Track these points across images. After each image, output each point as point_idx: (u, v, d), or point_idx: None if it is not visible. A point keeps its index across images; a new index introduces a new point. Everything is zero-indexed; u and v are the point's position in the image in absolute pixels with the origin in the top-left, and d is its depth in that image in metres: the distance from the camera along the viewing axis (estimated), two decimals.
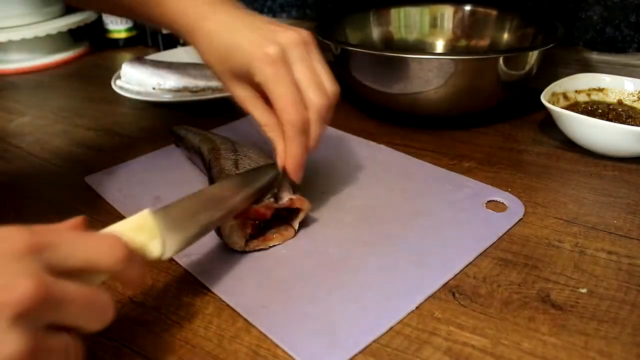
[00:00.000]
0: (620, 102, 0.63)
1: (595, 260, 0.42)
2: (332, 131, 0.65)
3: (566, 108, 0.59)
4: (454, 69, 0.59)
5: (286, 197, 0.44)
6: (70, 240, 0.27)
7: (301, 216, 0.45)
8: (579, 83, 0.64)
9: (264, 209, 0.43)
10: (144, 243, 0.32)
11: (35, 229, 0.26)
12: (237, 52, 0.41)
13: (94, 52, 1.10)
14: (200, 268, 0.43)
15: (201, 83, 0.80)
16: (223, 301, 0.39)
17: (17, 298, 0.23)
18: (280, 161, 0.44)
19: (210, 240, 0.46)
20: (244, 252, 0.44)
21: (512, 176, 0.54)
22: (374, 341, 0.35)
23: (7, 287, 0.23)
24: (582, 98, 0.64)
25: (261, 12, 1.05)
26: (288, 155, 0.42)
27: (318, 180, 0.54)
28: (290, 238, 0.45)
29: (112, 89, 0.78)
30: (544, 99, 0.59)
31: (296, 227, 0.45)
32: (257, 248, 0.44)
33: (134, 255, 0.29)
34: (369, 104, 0.71)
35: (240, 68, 0.41)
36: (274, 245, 0.44)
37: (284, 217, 0.45)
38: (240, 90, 0.43)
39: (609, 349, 0.34)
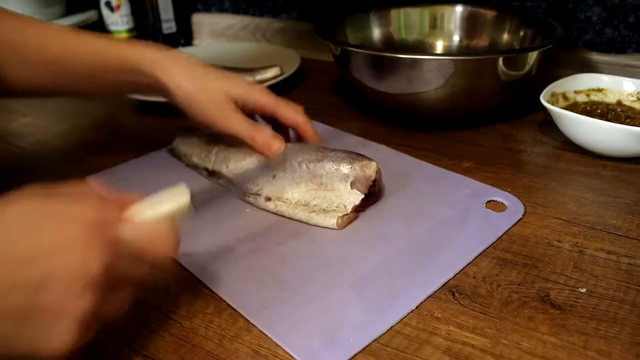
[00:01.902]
0: (619, 103, 0.63)
1: (595, 260, 0.42)
2: (332, 131, 0.65)
3: (566, 108, 0.59)
4: (453, 69, 0.59)
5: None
6: (130, 230, 0.31)
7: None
8: (579, 83, 0.64)
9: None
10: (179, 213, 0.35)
11: (100, 206, 0.30)
12: (235, 82, 0.51)
13: None
14: (200, 268, 0.43)
15: None
16: (224, 301, 0.40)
17: (92, 273, 0.27)
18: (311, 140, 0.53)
19: (210, 240, 0.46)
20: (244, 252, 0.44)
21: (512, 176, 0.55)
22: (373, 341, 0.36)
23: (85, 263, 0.27)
24: (581, 98, 0.64)
25: (262, 12, 1.05)
26: (312, 134, 0.53)
27: None
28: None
29: None
30: (543, 99, 0.59)
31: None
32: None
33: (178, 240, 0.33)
34: (369, 104, 0.71)
35: (244, 94, 0.51)
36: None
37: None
38: (230, 106, 0.50)
39: (609, 349, 0.34)
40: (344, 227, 0.47)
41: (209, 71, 0.51)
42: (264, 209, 0.50)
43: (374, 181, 0.48)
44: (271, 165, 0.51)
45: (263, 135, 0.50)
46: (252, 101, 0.51)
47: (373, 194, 0.49)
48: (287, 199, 0.49)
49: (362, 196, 0.47)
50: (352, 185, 0.48)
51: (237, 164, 0.53)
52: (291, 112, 0.52)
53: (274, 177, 0.50)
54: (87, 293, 0.27)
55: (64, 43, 0.49)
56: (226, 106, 0.49)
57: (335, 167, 0.48)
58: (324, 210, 0.47)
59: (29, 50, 0.48)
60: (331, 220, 0.46)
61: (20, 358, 0.27)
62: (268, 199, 0.49)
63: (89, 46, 0.50)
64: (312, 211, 0.47)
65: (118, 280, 0.30)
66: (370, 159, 0.49)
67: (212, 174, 0.55)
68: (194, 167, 0.57)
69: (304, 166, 0.49)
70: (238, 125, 0.50)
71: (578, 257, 0.43)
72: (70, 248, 0.27)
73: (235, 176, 0.52)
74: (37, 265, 0.26)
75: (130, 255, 0.31)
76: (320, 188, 0.49)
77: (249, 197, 0.51)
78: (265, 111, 0.52)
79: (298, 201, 0.48)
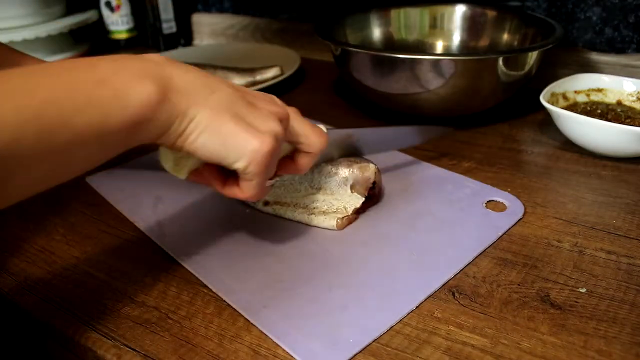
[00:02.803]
0: (619, 103, 0.63)
1: (595, 260, 0.42)
2: (332, 131, 0.65)
3: (565, 108, 0.59)
4: (454, 69, 0.59)
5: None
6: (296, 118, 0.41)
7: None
8: (579, 83, 0.64)
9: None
10: None
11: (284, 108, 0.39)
12: None
13: (94, 53, 1.10)
14: (201, 267, 0.43)
15: None
16: (224, 301, 0.40)
17: (284, 116, 0.38)
18: None
19: (210, 240, 0.46)
20: (244, 252, 0.44)
21: (512, 176, 0.55)
22: (374, 341, 0.36)
23: (280, 108, 0.39)
24: (581, 98, 0.64)
25: (262, 12, 1.05)
26: None
27: None
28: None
29: None
30: (543, 99, 0.59)
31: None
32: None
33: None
34: (369, 104, 0.71)
35: None
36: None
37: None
38: None
39: (608, 349, 0.34)
40: (344, 227, 0.47)
41: None
42: (262, 212, 0.50)
43: (374, 183, 0.48)
44: None
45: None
46: None
47: (373, 196, 0.49)
48: (285, 202, 0.49)
49: (363, 199, 0.47)
50: (352, 188, 0.48)
51: None
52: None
53: (272, 185, 0.50)
54: (279, 123, 0.36)
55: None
56: None
57: (334, 171, 0.49)
58: (323, 212, 0.47)
59: None
60: (331, 222, 0.46)
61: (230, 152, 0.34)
62: (266, 203, 0.49)
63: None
64: (312, 213, 0.47)
65: (280, 151, 0.38)
66: (368, 161, 0.49)
67: None
68: None
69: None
70: None
71: (578, 257, 0.43)
72: (267, 101, 0.38)
73: None
74: (248, 92, 0.38)
75: (294, 132, 0.40)
76: (319, 192, 0.49)
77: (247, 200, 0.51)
78: None
79: (297, 204, 0.48)
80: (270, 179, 0.40)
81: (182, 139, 0.34)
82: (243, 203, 0.51)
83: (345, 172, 0.48)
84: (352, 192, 0.48)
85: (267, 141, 0.35)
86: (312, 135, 0.41)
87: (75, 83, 0.29)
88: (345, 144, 0.51)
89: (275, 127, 0.36)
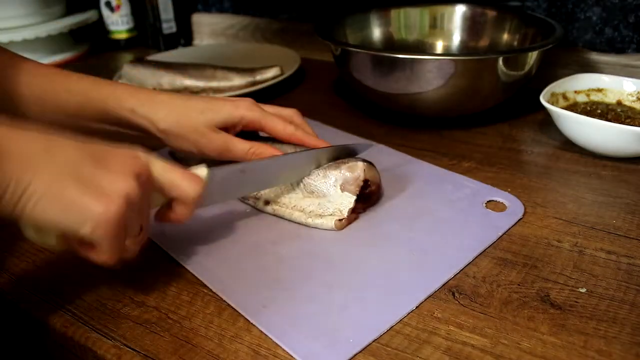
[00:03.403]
0: (619, 103, 0.63)
1: (595, 260, 0.42)
2: (332, 131, 0.65)
3: (565, 108, 0.59)
4: (453, 69, 0.59)
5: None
6: (163, 166, 0.38)
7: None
8: (579, 83, 0.64)
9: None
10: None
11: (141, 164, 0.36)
12: (216, 107, 0.49)
13: (94, 52, 1.10)
14: (201, 267, 0.43)
15: (201, 83, 0.81)
16: (223, 301, 0.40)
17: (138, 170, 0.35)
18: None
19: (210, 240, 0.46)
20: (244, 252, 0.44)
21: (512, 176, 0.55)
22: (374, 341, 0.36)
23: (134, 163, 0.35)
24: (581, 98, 0.64)
25: (262, 12, 1.05)
26: (309, 141, 0.52)
27: None
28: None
29: None
30: (543, 99, 0.59)
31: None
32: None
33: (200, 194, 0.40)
34: (369, 104, 0.71)
35: (227, 117, 0.49)
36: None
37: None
38: (219, 135, 0.49)
39: (608, 349, 0.34)
40: (343, 228, 0.47)
41: (188, 104, 0.49)
42: (262, 211, 0.50)
43: (366, 181, 0.48)
44: None
45: (261, 153, 0.49)
46: (238, 121, 0.50)
47: (371, 195, 0.49)
48: (284, 204, 0.49)
49: (355, 197, 0.47)
50: (342, 188, 0.47)
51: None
52: (280, 126, 0.50)
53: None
54: (133, 180, 0.34)
55: (49, 82, 0.49)
56: (213, 136, 0.48)
57: (322, 174, 0.48)
58: (320, 215, 0.47)
59: (19, 86, 0.49)
60: (329, 224, 0.46)
61: (68, 222, 0.32)
62: (267, 202, 0.49)
63: (72, 90, 0.50)
64: (309, 217, 0.47)
65: (144, 206, 0.36)
66: (357, 159, 0.48)
67: None
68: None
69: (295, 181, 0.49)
70: (231, 150, 0.49)
71: (578, 257, 0.43)
72: (122, 155, 0.35)
73: None
74: (99, 150, 0.35)
75: (160, 185, 0.37)
76: (313, 196, 0.49)
77: (248, 199, 0.51)
78: (254, 128, 0.51)
79: (295, 206, 0.48)
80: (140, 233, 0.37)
81: (18, 208, 0.31)
82: (243, 202, 0.51)
83: (333, 174, 0.48)
84: (342, 192, 0.47)
85: (113, 204, 0.32)
86: (182, 184, 0.38)
87: None
88: (323, 159, 0.50)
89: (125, 186, 0.33)
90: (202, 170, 0.41)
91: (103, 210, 0.32)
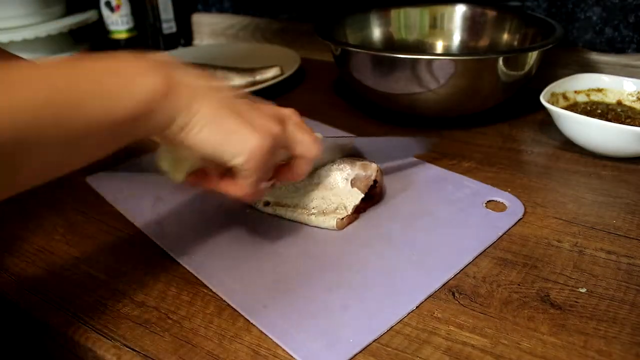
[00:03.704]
0: (619, 103, 0.63)
1: (595, 260, 0.42)
2: (332, 131, 0.65)
3: (566, 108, 0.59)
4: (454, 69, 0.59)
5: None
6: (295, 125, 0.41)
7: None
8: (579, 83, 0.64)
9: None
10: None
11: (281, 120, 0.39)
12: None
13: (94, 53, 1.10)
14: (200, 267, 0.43)
15: None
16: (224, 301, 0.40)
17: (284, 115, 0.41)
18: None
19: (210, 240, 0.46)
20: (244, 252, 0.44)
21: (512, 176, 0.55)
22: (374, 341, 0.36)
23: (278, 112, 0.41)
24: (581, 98, 0.64)
25: (262, 12, 1.05)
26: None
27: None
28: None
29: None
30: (543, 99, 0.59)
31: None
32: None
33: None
34: (369, 104, 0.71)
35: None
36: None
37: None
38: None
39: (608, 349, 0.34)
40: (344, 227, 0.47)
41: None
42: (263, 212, 0.50)
43: (375, 182, 0.48)
44: None
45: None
46: None
47: (374, 195, 0.49)
48: (285, 203, 0.49)
49: (362, 195, 0.47)
50: (353, 183, 0.48)
51: None
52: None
53: (272, 185, 0.50)
54: (279, 124, 0.37)
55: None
56: None
57: (336, 167, 0.49)
58: (323, 212, 0.47)
59: None
60: (331, 222, 0.46)
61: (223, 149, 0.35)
62: (267, 203, 0.49)
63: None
64: (311, 214, 0.47)
65: (277, 154, 0.39)
66: (371, 161, 0.49)
67: None
68: None
69: None
70: None
71: (578, 257, 0.43)
72: (268, 107, 0.39)
73: None
74: (249, 101, 0.38)
75: (292, 140, 0.40)
76: (318, 188, 0.49)
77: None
78: None
79: (296, 205, 0.48)
80: (268, 181, 0.40)
81: (184, 132, 0.34)
82: (244, 203, 0.51)
83: (347, 168, 0.49)
84: (352, 187, 0.48)
85: (266, 139, 0.36)
86: (308, 140, 0.41)
87: (86, 72, 0.31)
88: (343, 151, 0.51)
89: (274, 127, 0.37)
90: (319, 135, 0.44)
91: (258, 144, 0.35)
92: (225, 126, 0.35)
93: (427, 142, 0.58)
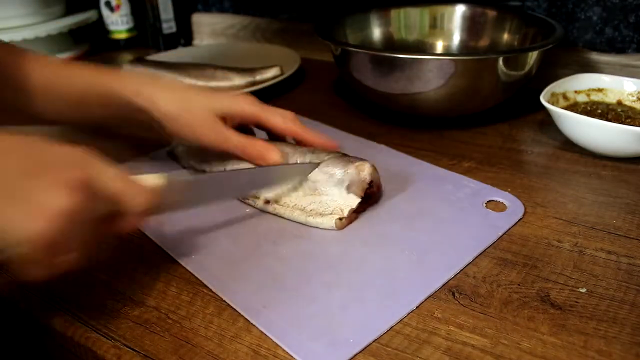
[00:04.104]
0: (619, 103, 0.63)
1: (595, 260, 0.42)
2: (332, 131, 0.65)
3: (566, 108, 0.59)
4: (453, 69, 0.59)
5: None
6: (110, 174, 0.34)
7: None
8: (579, 83, 0.64)
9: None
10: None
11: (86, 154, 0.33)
12: (218, 97, 0.50)
13: (94, 52, 1.10)
14: (200, 267, 0.43)
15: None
16: (223, 301, 0.40)
17: (76, 179, 0.31)
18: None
19: (210, 240, 0.46)
20: (244, 252, 0.44)
21: (512, 176, 0.55)
22: (374, 341, 0.36)
23: (71, 175, 0.31)
24: (581, 98, 0.64)
25: (262, 12, 1.05)
26: (310, 138, 0.52)
27: None
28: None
29: None
30: (543, 99, 0.59)
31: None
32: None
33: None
34: (369, 104, 0.71)
35: (228, 107, 0.50)
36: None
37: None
38: (217, 125, 0.49)
39: (608, 349, 0.34)
40: (343, 228, 0.47)
41: (191, 91, 0.51)
42: (263, 211, 0.50)
43: (370, 182, 0.48)
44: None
45: (255, 147, 0.49)
46: (238, 113, 0.50)
47: (372, 195, 0.49)
48: (284, 203, 0.49)
49: (359, 200, 0.47)
50: (348, 189, 0.47)
51: (234, 166, 0.52)
52: (280, 120, 0.51)
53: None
54: (73, 192, 0.30)
55: (52, 72, 0.50)
56: (212, 123, 0.49)
57: (330, 171, 0.48)
58: (320, 214, 0.47)
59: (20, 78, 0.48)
60: (330, 223, 0.46)
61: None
62: (267, 202, 0.49)
63: (76, 77, 0.50)
64: (309, 215, 0.47)
65: (85, 219, 0.31)
66: (364, 160, 0.48)
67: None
68: (192, 169, 0.57)
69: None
70: (227, 140, 0.49)
71: (578, 257, 0.43)
72: (62, 161, 0.31)
73: None
74: (35, 153, 0.31)
75: (105, 197, 0.33)
76: (315, 193, 0.48)
77: (247, 199, 0.51)
78: (253, 121, 0.52)
79: (295, 205, 0.48)
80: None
81: None
82: (243, 202, 0.51)
83: (340, 173, 0.47)
84: (347, 192, 0.47)
85: (47, 220, 0.28)
86: (128, 195, 0.34)
87: None
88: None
89: (62, 201, 0.29)
90: (157, 179, 0.38)
91: (34, 229, 0.28)
92: None
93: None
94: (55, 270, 0.32)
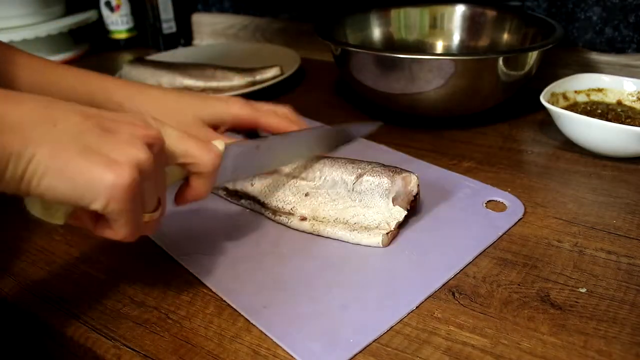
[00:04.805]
0: (619, 103, 0.63)
1: (595, 260, 0.42)
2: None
3: (566, 108, 0.59)
4: (453, 69, 0.59)
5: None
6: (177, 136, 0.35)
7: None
8: (579, 83, 0.64)
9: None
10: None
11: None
12: (208, 103, 0.50)
13: (94, 52, 1.10)
14: (200, 268, 0.43)
15: (201, 83, 0.81)
16: (223, 301, 0.40)
17: (151, 136, 0.32)
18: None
19: (210, 240, 0.46)
20: (244, 252, 0.44)
21: (512, 176, 0.55)
22: (374, 341, 0.36)
23: (145, 129, 0.32)
24: (581, 98, 0.64)
25: (262, 12, 1.05)
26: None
27: None
28: None
29: None
30: (543, 99, 0.59)
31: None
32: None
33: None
34: (369, 104, 0.71)
35: (218, 114, 0.50)
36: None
37: None
38: (202, 131, 0.49)
39: (608, 349, 0.34)
40: (388, 244, 0.44)
41: (180, 99, 0.50)
42: (297, 229, 0.47)
43: (415, 195, 0.46)
44: (303, 182, 0.48)
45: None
46: (230, 118, 0.50)
47: (414, 208, 0.47)
48: (324, 218, 0.46)
49: (405, 213, 0.45)
50: (394, 201, 0.45)
51: (262, 182, 0.50)
52: (274, 120, 0.50)
53: (306, 194, 0.47)
54: (144, 148, 0.31)
55: (39, 72, 0.49)
56: (199, 132, 0.48)
57: (376, 181, 0.46)
58: (365, 228, 0.45)
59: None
60: (376, 239, 0.44)
61: (79, 192, 0.29)
62: (303, 218, 0.46)
63: (62, 79, 0.50)
64: (354, 229, 0.45)
65: (159, 177, 0.33)
66: (410, 172, 0.46)
67: (233, 193, 0.51)
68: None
69: (340, 182, 0.47)
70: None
71: (578, 257, 0.43)
72: (130, 122, 0.32)
73: (263, 195, 0.49)
74: (105, 117, 0.32)
75: (174, 155, 0.35)
76: (359, 205, 0.46)
77: (280, 216, 0.47)
78: (248, 124, 0.51)
79: (336, 219, 0.46)
80: (155, 211, 0.35)
81: (24, 184, 0.29)
82: (273, 221, 0.48)
83: (386, 183, 0.45)
84: (393, 205, 0.45)
85: (125, 173, 0.29)
86: (198, 153, 0.36)
87: None
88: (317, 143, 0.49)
89: (137, 154, 0.30)
90: (219, 143, 0.38)
91: (115, 182, 0.29)
92: (70, 169, 0.28)
93: (370, 126, 0.56)
94: (142, 229, 0.33)
